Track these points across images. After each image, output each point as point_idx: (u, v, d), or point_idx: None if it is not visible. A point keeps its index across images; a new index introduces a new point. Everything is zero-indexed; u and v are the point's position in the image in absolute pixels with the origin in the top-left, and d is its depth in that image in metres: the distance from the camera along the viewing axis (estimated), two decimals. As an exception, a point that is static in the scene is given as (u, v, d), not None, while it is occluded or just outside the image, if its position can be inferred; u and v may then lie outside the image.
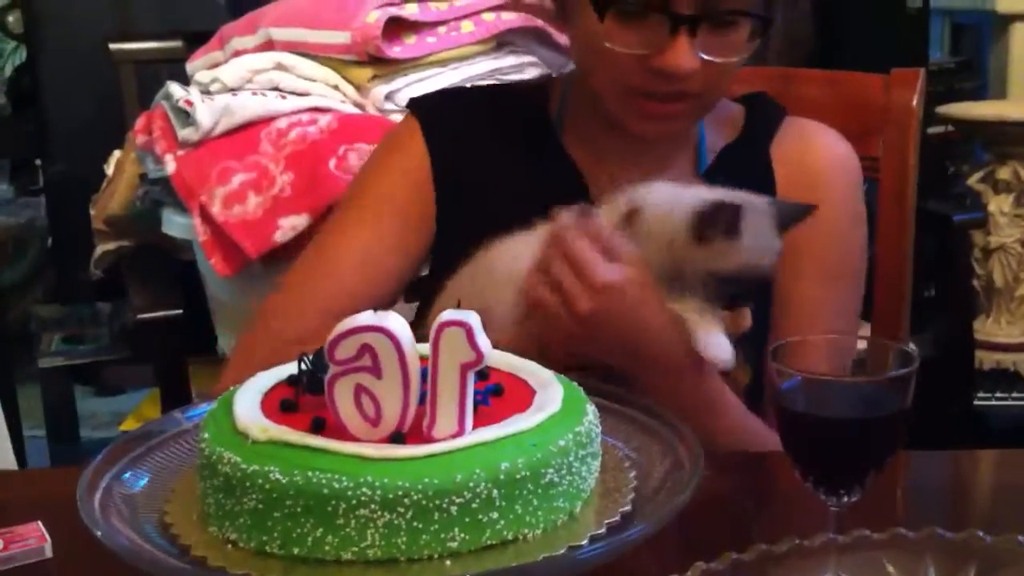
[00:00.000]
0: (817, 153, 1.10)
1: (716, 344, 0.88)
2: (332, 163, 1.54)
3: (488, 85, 1.24)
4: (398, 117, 1.57)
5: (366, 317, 0.61)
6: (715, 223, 0.89)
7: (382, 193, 1.11)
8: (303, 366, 0.67)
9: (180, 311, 1.75)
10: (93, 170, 2.07)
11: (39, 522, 0.80)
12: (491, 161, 1.10)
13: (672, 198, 0.94)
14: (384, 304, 1.09)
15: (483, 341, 0.61)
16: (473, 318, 0.61)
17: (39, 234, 3.16)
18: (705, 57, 0.96)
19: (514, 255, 0.95)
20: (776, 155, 1.10)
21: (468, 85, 1.49)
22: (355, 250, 1.09)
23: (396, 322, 0.61)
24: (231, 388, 0.69)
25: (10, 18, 4.45)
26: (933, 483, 0.93)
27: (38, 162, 3.15)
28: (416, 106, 1.15)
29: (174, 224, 1.71)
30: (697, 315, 0.90)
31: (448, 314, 0.61)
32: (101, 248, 2.05)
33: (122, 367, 2.69)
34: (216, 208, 1.57)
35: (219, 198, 1.57)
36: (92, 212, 2.04)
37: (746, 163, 1.10)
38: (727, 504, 0.80)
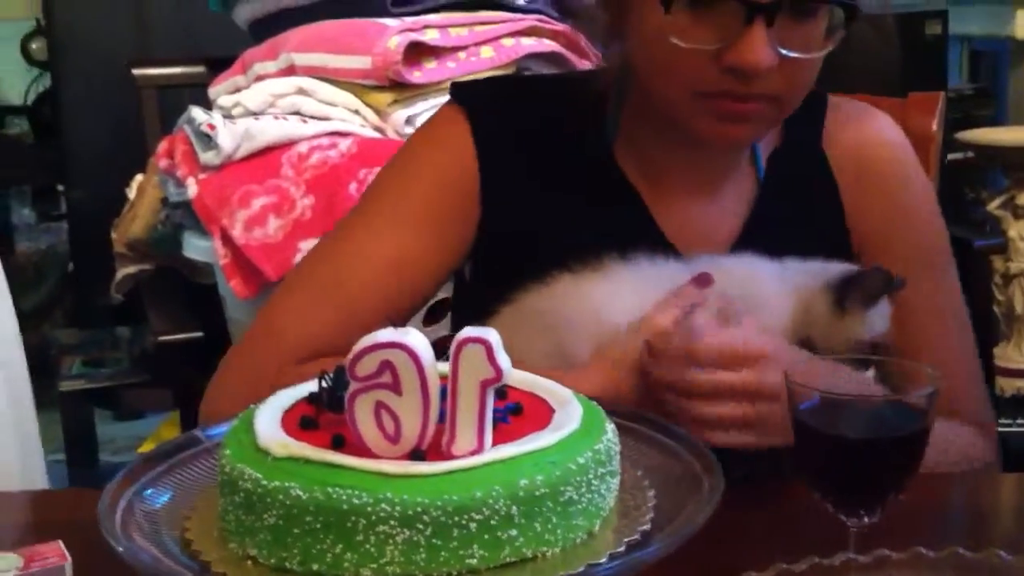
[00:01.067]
0: (874, 144, 1.04)
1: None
2: (352, 187, 1.55)
3: (537, 76, 1.13)
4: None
5: (387, 334, 0.61)
6: (856, 291, 0.88)
7: (422, 192, 1.00)
8: (323, 384, 0.67)
9: (200, 333, 1.76)
10: (114, 195, 2.10)
11: (60, 541, 0.80)
12: (541, 165, 1.02)
13: (768, 273, 0.92)
14: (407, 316, 1.02)
15: (502, 358, 0.61)
16: (492, 335, 0.61)
17: (59, 260, 3.19)
18: (783, 52, 0.87)
19: (592, 307, 0.91)
20: (830, 152, 1.04)
21: (516, 74, 1.39)
22: (389, 255, 0.98)
23: (416, 339, 0.61)
24: (251, 407, 0.69)
25: (33, 45, 4.51)
26: (954, 504, 0.92)
27: (60, 188, 3.18)
28: (462, 94, 1.03)
29: (195, 247, 1.73)
30: None
31: (468, 331, 0.61)
32: (122, 272, 2.07)
33: (141, 391, 2.70)
34: (237, 231, 1.58)
35: (240, 221, 1.58)
36: (114, 236, 2.06)
37: (801, 166, 1.04)
38: (746, 523, 0.79)
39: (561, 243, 0.96)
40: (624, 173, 1.02)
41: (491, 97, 1.05)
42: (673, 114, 0.94)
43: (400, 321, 1.00)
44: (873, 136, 1.05)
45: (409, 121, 1.60)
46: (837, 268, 0.93)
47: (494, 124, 1.02)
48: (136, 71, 2.01)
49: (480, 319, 0.93)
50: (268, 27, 1.78)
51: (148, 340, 2.37)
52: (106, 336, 2.67)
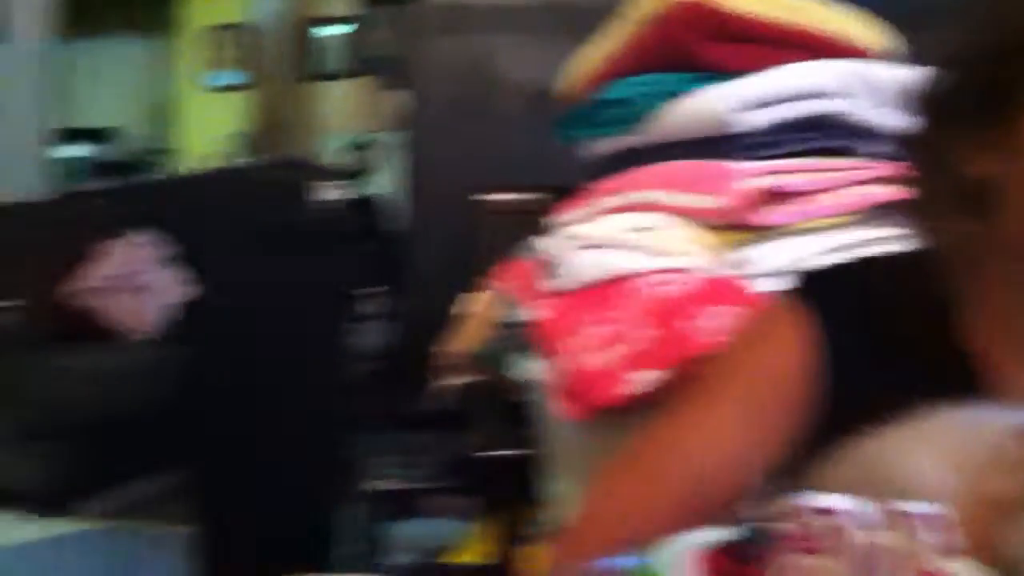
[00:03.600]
0: None
1: None
2: (689, 323, 1.55)
3: (888, 257, 1.12)
4: (761, 282, 1.58)
5: (828, 499, 0.60)
6: None
7: (761, 386, 0.98)
8: (743, 534, 0.66)
9: (518, 451, 1.81)
10: (442, 308, 2.21)
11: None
12: (885, 356, 0.97)
13: None
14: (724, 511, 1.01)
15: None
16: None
17: (377, 360, 3.39)
18: None
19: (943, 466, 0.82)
20: None
21: (864, 257, 1.40)
22: (728, 450, 0.97)
23: (847, 504, 0.60)
24: (659, 544, 0.69)
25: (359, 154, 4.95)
26: None
27: (387, 289, 3.39)
28: (808, 288, 1.03)
29: (523, 367, 1.78)
30: None
31: (920, 507, 0.59)
32: (445, 381, 2.16)
33: (444, 497, 2.80)
34: (570, 356, 1.62)
35: (574, 347, 1.62)
36: (441, 347, 2.16)
37: None
38: None
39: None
40: (980, 360, 0.95)
41: (834, 287, 1.03)
42: None
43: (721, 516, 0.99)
44: None
45: (752, 262, 1.60)
46: None
47: (838, 315, 0.99)
48: (480, 196, 2.14)
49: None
50: (615, 162, 1.85)
51: (458, 449, 2.46)
52: (415, 440, 2.79)
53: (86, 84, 7.95)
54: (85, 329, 4.88)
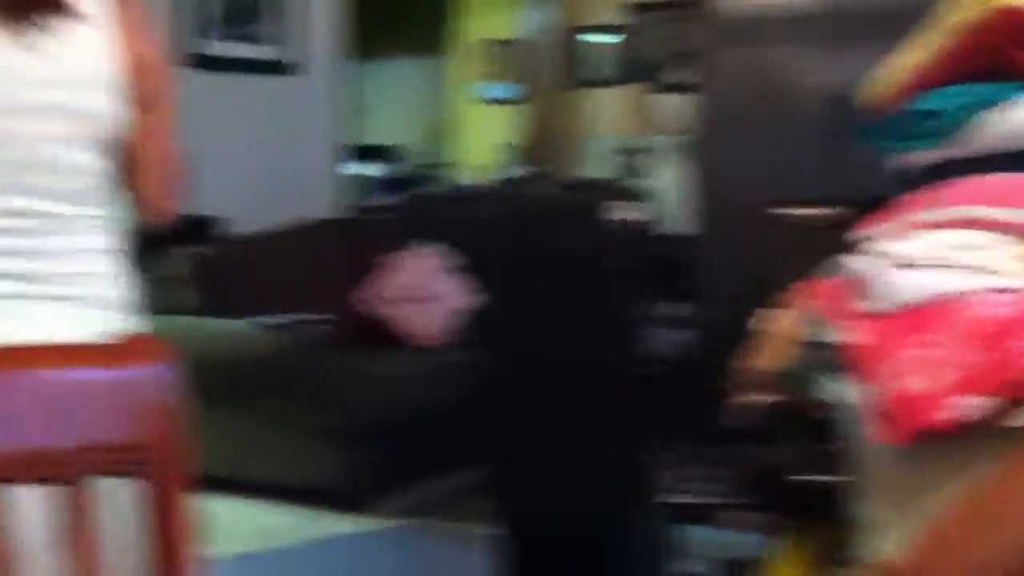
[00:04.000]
0: None
1: None
2: (1020, 346, 1.49)
3: None
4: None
5: None
6: None
7: None
8: None
9: (827, 473, 1.78)
10: (736, 319, 2.20)
11: None
12: None
13: None
14: None
15: None
16: None
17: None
18: None
19: None
20: None
21: None
22: None
23: None
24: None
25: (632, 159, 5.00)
26: None
27: (672, 294, 3.40)
28: None
29: (831, 388, 1.75)
30: None
31: None
32: (747, 398, 2.16)
33: (736, 512, 2.79)
34: (889, 379, 1.58)
35: (894, 370, 1.58)
36: (743, 363, 2.16)
37: None
38: None
39: None
40: None
41: None
42: None
43: None
44: None
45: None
46: None
47: None
48: (778, 210, 2.12)
49: None
50: (928, 176, 1.78)
51: (760, 465, 2.45)
52: (712, 452, 2.80)
53: (371, 104, 8.45)
54: (381, 336, 5.20)
